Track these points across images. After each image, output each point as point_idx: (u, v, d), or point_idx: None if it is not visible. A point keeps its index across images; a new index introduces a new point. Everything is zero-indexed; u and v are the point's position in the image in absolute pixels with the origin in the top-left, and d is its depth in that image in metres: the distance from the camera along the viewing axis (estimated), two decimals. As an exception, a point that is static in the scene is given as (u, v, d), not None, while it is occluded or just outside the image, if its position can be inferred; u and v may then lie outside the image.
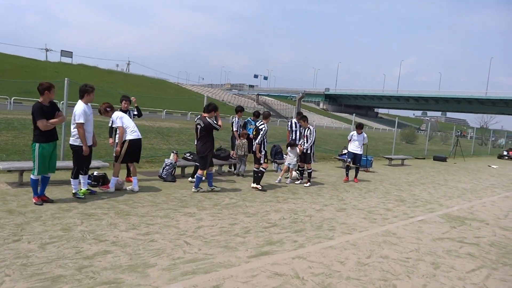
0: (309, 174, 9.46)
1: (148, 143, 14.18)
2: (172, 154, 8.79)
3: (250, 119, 9.91)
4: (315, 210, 6.97)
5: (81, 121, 5.98)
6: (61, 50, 79.05)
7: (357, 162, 10.52)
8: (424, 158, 20.72)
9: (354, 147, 10.47)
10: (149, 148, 12.88)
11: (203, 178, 7.69)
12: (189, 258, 4.22)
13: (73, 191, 6.27)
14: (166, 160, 8.56)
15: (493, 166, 19.83)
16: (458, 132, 33.89)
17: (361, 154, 10.61)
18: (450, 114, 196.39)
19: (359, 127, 10.57)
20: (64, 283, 3.41)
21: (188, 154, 9.50)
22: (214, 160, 9.66)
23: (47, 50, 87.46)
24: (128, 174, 7.87)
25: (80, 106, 6.05)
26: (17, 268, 3.60)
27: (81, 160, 6.17)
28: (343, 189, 9.36)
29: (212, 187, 7.71)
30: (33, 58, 66.50)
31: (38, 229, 4.67)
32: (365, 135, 10.63)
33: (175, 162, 8.60)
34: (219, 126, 7.52)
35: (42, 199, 5.84)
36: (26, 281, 3.39)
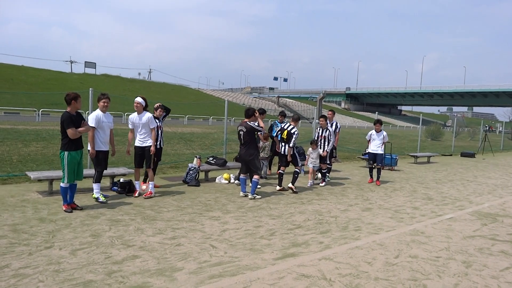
0: (323, 174, 9.37)
1: (172, 149, 14.39)
2: (195, 159, 8.88)
3: (277, 122, 9.92)
4: (340, 210, 6.90)
5: (92, 125, 6.33)
6: (85, 62, 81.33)
7: (379, 163, 9.95)
8: (451, 155, 20.21)
9: (374, 146, 9.97)
10: (173, 154, 13.06)
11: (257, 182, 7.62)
12: (215, 261, 4.25)
13: (95, 196, 6.48)
14: (189, 165, 8.65)
15: (524, 161, 19.13)
16: (486, 126, 32.86)
17: (382, 154, 10.01)
18: (476, 109, 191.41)
19: (378, 123, 9.99)
20: (95, 288, 3.49)
21: (211, 159, 9.57)
22: (238, 164, 9.71)
23: (71, 62, 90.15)
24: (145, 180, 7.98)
25: (94, 112, 6.51)
26: (50, 274, 3.71)
27: (96, 164, 6.49)
28: (368, 188, 9.23)
29: (254, 195, 7.47)
30: (59, 71, 68.69)
31: (69, 236, 4.80)
32: (385, 133, 9.99)
33: (199, 167, 8.69)
34: (261, 127, 7.62)
35: (72, 206, 6.00)
36: (59, 286, 3.48)
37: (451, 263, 4.55)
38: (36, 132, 16.86)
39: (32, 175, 6.85)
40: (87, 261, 4.07)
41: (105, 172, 6.88)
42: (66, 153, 5.81)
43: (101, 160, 6.52)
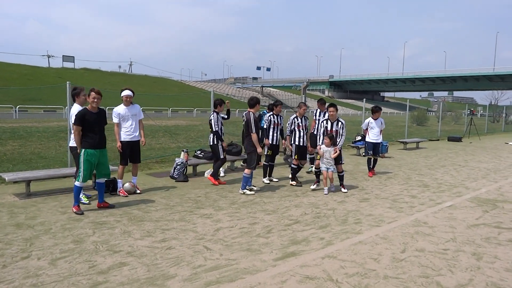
0: (342, 178, 7.60)
1: (157, 143, 13.91)
2: (182, 153, 8.47)
3: (265, 111, 9.50)
4: (336, 202, 6.62)
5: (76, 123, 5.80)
6: (63, 56, 79.11)
7: (377, 153, 9.24)
8: (438, 140, 20.21)
9: (374, 136, 9.11)
10: (158, 148, 12.60)
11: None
12: (211, 265, 3.90)
13: None
14: (176, 159, 8.24)
15: (510, 143, 19.26)
16: (468, 111, 33.17)
17: (381, 143, 9.25)
18: (457, 93, 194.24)
19: (376, 110, 9.22)
20: (78, 304, 3.11)
21: (198, 152, 9.17)
22: (227, 156, 9.34)
23: (49, 56, 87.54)
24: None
25: (74, 109, 6.01)
26: (27, 290, 3.31)
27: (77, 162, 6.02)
28: (362, 177, 8.98)
29: (244, 191, 7.08)
30: (35, 66, 66.58)
31: (48, 243, 4.38)
32: (382, 120, 9.34)
33: (186, 161, 8.29)
34: (255, 126, 7.00)
35: (104, 205, 5.83)
36: (37, 304, 3.09)
37: (460, 256, 4.30)
38: (12, 129, 16.11)
39: (7, 176, 6.35)
40: (69, 272, 3.67)
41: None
42: (82, 150, 5.51)
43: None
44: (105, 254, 4.11)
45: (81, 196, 6.04)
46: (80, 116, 5.48)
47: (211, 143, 7.72)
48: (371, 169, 9.29)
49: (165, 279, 3.57)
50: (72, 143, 6.06)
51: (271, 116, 8.12)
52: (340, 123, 7.56)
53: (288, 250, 4.37)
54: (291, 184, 7.89)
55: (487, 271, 3.93)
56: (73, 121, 5.77)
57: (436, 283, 3.64)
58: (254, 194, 7.00)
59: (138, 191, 6.89)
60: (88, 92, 5.77)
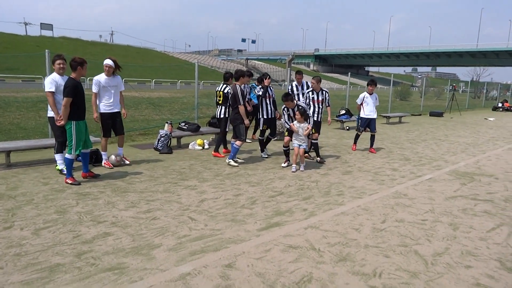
0: (317, 146, 7.79)
1: (140, 115, 13.74)
2: (166, 124, 8.39)
3: (254, 84, 9.37)
4: (320, 174, 6.71)
5: (52, 90, 5.73)
6: (41, 23, 76.27)
7: (373, 129, 8.89)
8: (420, 115, 20.50)
9: (368, 111, 8.81)
10: (142, 120, 12.45)
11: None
12: (195, 235, 3.95)
13: (59, 167, 6.02)
14: (160, 131, 8.17)
15: (489, 119, 19.68)
16: (451, 86, 33.63)
17: (375, 119, 8.95)
18: (440, 69, 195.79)
19: (372, 84, 8.77)
20: (63, 273, 3.12)
21: (183, 124, 9.10)
22: (212, 129, 9.31)
23: (26, 24, 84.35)
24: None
25: (50, 76, 5.88)
26: (10, 259, 3.30)
27: (56, 133, 5.96)
28: (345, 151, 9.09)
29: (230, 161, 7.09)
30: (12, 33, 64.01)
31: (31, 214, 4.34)
32: (376, 95, 8.96)
33: (170, 133, 8.23)
34: (241, 99, 6.97)
35: (89, 175, 5.80)
36: (21, 272, 3.09)
37: (438, 226, 4.45)
38: (-10, 99, 15.62)
39: (-14, 147, 6.20)
40: (53, 241, 3.67)
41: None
42: (73, 122, 5.45)
43: (62, 127, 5.92)
44: (89, 225, 4.10)
45: (63, 166, 5.95)
46: (73, 87, 5.38)
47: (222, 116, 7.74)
48: (356, 143, 9.24)
49: (150, 249, 3.60)
50: (50, 113, 5.89)
51: (262, 89, 8.06)
52: (324, 91, 7.87)
53: (272, 220, 4.44)
54: (314, 159, 7.84)
55: (463, 240, 4.09)
56: (48, 89, 5.68)
57: (414, 251, 3.77)
58: (238, 166, 7.03)
59: (127, 162, 6.87)
60: (53, 58, 5.77)
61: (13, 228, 3.94)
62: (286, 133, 7.19)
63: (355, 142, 9.27)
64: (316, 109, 7.85)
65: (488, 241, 4.10)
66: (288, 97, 6.94)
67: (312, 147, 7.81)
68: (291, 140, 7.07)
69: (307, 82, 8.59)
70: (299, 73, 8.54)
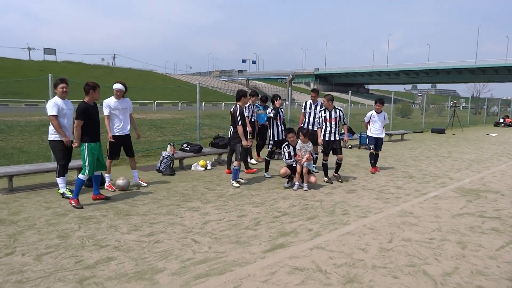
0: (339, 166, 7.78)
1: (142, 136, 13.75)
2: (168, 146, 8.39)
3: (257, 104, 9.33)
4: (324, 194, 6.65)
5: (54, 113, 5.75)
6: (44, 48, 77.28)
7: (379, 148, 8.76)
8: (422, 132, 20.48)
9: (375, 130, 8.62)
10: (144, 142, 12.46)
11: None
12: (200, 258, 3.88)
13: (60, 191, 5.99)
14: (163, 152, 8.17)
15: (492, 135, 19.65)
16: (451, 103, 33.74)
17: (383, 138, 8.75)
18: (440, 86, 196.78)
19: (380, 102, 8.56)
20: (65, 300, 3.06)
21: (185, 145, 9.10)
22: (214, 149, 9.30)
23: (29, 49, 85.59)
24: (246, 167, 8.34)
25: (52, 100, 5.90)
26: (12, 286, 3.24)
27: (57, 156, 6.00)
28: (349, 169, 9.04)
29: (232, 182, 7.09)
30: (16, 58, 64.96)
31: (33, 239, 4.29)
32: (386, 114, 8.71)
33: (173, 154, 8.22)
34: (242, 119, 6.91)
35: (100, 197, 5.83)
36: (22, 300, 3.03)
37: (446, 245, 4.37)
38: (-7, 124, 15.70)
39: (-12, 171, 6.19)
40: (55, 267, 3.61)
41: (72, 164, 6.33)
42: (85, 144, 5.55)
43: (64, 151, 5.92)
44: (91, 249, 4.05)
45: (65, 190, 5.95)
46: (83, 110, 5.50)
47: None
48: (373, 165, 8.79)
49: (154, 273, 3.54)
50: (51, 137, 5.89)
51: (273, 110, 8.14)
52: (337, 110, 7.63)
53: (277, 242, 4.37)
54: (325, 181, 7.59)
55: (472, 259, 4.01)
56: (51, 113, 5.72)
57: (423, 271, 3.69)
58: (239, 186, 6.98)
59: (144, 184, 6.87)
60: (55, 82, 5.90)
61: (14, 254, 3.88)
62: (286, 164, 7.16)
63: (372, 165, 8.80)
64: (328, 128, 7.59)
65: (498, 259, 4.02)
66: (290, 131, 7.00)
67: (323, 168, 7.67)
68: (291, 174, 7.07)
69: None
70: (314, 91, 8.40)
